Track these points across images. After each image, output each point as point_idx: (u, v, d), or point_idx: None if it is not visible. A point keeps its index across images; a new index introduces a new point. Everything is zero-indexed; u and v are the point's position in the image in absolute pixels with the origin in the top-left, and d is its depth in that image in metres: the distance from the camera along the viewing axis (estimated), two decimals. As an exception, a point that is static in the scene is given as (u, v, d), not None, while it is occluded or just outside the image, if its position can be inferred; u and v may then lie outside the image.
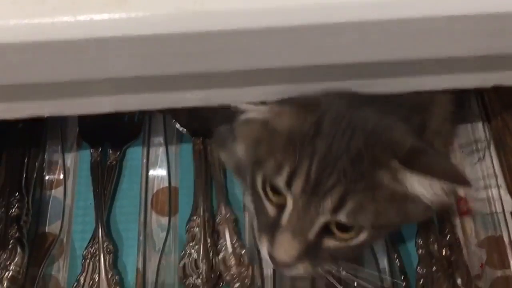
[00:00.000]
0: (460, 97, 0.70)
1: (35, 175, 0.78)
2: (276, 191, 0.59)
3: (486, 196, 0.78)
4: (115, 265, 0.74)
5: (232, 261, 0.73)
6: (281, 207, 0.59)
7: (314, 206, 0.56)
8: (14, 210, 0.72)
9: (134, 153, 0.82)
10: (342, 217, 0.56)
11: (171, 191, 0.79)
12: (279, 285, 0.72)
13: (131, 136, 0.83)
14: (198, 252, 0.73)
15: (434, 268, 0.72)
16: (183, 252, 0.73)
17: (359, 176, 0.56)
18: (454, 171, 0.57)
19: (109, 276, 0.72)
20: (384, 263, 0.74)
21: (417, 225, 0.74)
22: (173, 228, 0.77)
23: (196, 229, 0.74)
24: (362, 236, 0.58)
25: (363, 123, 0.58)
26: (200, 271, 0.72)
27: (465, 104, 0.78)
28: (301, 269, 0.59)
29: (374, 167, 0.56)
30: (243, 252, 0.73)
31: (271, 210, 0.60)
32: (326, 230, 0.58)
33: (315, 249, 0.58)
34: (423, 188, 0.56)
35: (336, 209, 0.56)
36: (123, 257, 0.75)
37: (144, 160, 0.81)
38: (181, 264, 0.73)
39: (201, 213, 0.75)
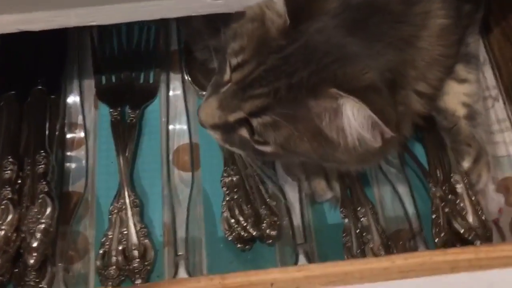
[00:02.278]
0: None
1: (56, 136, 0.78)
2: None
3: (502, 140, 0.79)
4: (142, 218, 0.74)
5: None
6: (228, 80, 0.64)
7: (239, 100, 0.61)
8: (40, 167, 0.72)
9: (153, 112, 0.83)
10: (254, 122, 0.61)
11: (192, 147, 0.80)
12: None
13: (148, 96, 0.83)
14: (237, 202, 0.74)
15: (446, 210, 0.72)
16: (224, 203, 0.74)
17: (289, 102, 0.59)
18: (390, 113, 0.58)
19: (138, 229, 0.73)
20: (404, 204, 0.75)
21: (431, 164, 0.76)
22: (196, 183, 0.77)
23: (234, 178, 0.75)
24: (267, 148, 0.63)
25: (325, 51, 0.60)
26: (243, 221, 0.72)
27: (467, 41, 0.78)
28: (214, 135, 0.66)
29: (308, 97, 0.59)
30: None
31: (225, 76, 0.64)
32: (246, 123, 0.62)
33: (230, 130, 0.64)
34: (353, 117, 0.58)
35: (251, 114, 0.61)
36: (149, 212, 0.76)
37: (163, 118, 0.82)
38: (224, 216, 0.73)
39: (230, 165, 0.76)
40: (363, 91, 0.57)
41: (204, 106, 0.65)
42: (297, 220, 0.74)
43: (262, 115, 0.60)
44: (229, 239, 0.72)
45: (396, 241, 0.73)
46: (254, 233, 0.71)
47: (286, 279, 0.57)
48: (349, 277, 0.57)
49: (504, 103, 0.82)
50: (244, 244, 0.73)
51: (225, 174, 0.75)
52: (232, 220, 0.72)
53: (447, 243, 0.70)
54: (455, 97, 0.75)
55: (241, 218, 0.72)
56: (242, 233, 0.72)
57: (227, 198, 0.74)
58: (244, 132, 0.64)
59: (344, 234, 0.72)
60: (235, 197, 0.74)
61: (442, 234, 0.70)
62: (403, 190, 0.76)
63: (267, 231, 0.72)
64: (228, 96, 0.63)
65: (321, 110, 0.59)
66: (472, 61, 0.78)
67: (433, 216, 0.71)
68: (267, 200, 0.74)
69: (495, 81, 0.83)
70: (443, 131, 0.75)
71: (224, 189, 0.75)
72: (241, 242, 0.73)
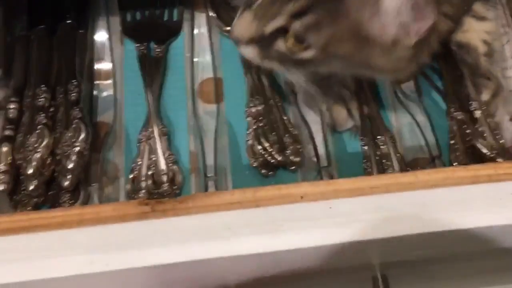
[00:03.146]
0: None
1: (85, 68, 0.80)
2: None
3: (515, 74, 0.82)
4: (169, 146, 0.77)
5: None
6: None
7: (278, 5, 0.61)
8: (73, 95, 0.75)
9: (178, 48, 0.85)
10: (297, 25, 0.61)
11: (216, 81, 0.82)
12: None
13: (172, 32, 0.86)
14: (263, 130, 0.77)
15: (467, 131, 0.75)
16: (248, 132, 0.77)
17: None
18: None
19: (166, 156, 0.76)
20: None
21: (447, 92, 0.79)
22: (220, 114, 0.80)
23: (259, 108, 0.78)
24: (308, 54, 0.63)
25: None
26: (268, 147, 0.75)
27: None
28: (250, 52, 0.66)
29: None
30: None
31: None
32: (281, 34, 0.63)
33: (267, 44, 0.64)
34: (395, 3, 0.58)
35: (294, 15, 0.60)
36: (176, 141, 0.79)
37: (188, 54, 0.84)
38: (249, 144, 0.76)
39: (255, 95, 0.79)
40: None
41: (238, 21, 0.65)
42: (320, 147, 0.77)
43: (303, 16, 0.60)
44: (254, 165, 0.75)
45: (415, 168, 0.76)
46: (279, 159, 0.74)
47: (316, 192, 0.60)
48: (375, 191, 0.60)
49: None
50: (268, 170, 0.75)
51: (251, 105, 0.78)
52: (259, 147, 0.75)
53: (466, 167, 0.72)
54: (476, 34, 0.78)
55: (266, 145, 0.75)
56: (268, 158, 0.74)
57: (253, 127, 0.76)
58: (282, 43, 0.64)
59: (365, 160, 0.75)
60: (260, 125, 0.76)
61: (461, 158, 0.72)
62: (421, 119, 0.78)
63: (291, 157, 0.75)
64: (264, 5, 0.62)
65: (361, 3, 0.60)
66: None
67: (451, 142, 0.74)
68: (290, 129, 0.77)
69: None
70: (462, 64, 0.77)
71: (249, 118, 0.77)
72: (266, 168, 0.75)
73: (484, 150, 0.71)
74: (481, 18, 0.79)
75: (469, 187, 0.59)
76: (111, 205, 0.61)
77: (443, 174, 0.61)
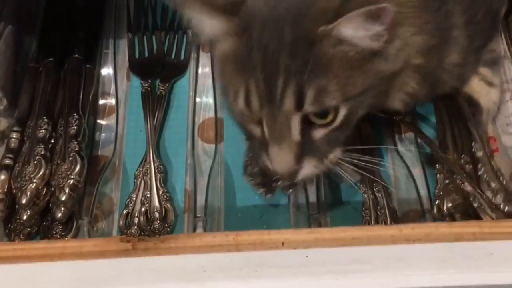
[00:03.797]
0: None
1: (89, 103, 0.82)
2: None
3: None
4: (165, 184, 0.78)
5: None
6: (260, 123, 0.61)
7: (280, 112, 0.58)
8: (73, 128, 0.76)
9: (182, 87, 0.87)
10: (309, 108, 0.58)
11: (217, 121, 0.83)
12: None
13: (178, 71, 0.87)
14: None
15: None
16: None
17: (303, 63, 0.56)
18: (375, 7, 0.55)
19: (160, 193, 0.76)
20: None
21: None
22: (219, 154, 0.81)
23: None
24: (342, 113, 0.59)
25: (287, 9, 0.58)
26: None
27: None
28: (309, 169, 0.61)
29: (311, 46, 0.56)
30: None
31: (256, 131, 0.62)
32: (308, 123, 0.59)
33: (310, 145, 0.60)
34: (352, 30, 0.56)
35: (299, 105, 0.57)
36: (172, 179, 0.80)
37: (191, 93, 0.85)
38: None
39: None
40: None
41: (274, 163, 0.61)
42: (312, 195, 0.77)
43: (304, 96, 0.57)
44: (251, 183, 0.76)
45: (407, 221, 0.75)
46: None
47: (297, 240, 0.60)
48: (357, 242, 0.60)
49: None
50: (266, 189, 0.76)
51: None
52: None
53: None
54: (486, 98, 0.78)
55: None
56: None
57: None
58: (317, 130, 0.60)
59: (363, 208, 0.74)
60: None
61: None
62: (417, 172, 0.78)
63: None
64: (272, 127, 0.59)
65: (330, 44, 0.57)
66: (497, 65, 0.81)
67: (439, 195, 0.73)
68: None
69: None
70: (468, 120, 0.76)
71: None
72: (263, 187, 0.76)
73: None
74: (489, 84, 0.79)
75: (450, 245, 0.59)
76: (93, 240, 0.62)
77: (427, 230, 0.61)
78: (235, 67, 0.60)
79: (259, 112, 0.59)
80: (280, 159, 0.60)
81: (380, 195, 0.75)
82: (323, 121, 0.59)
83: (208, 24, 0.60)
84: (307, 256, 0.57)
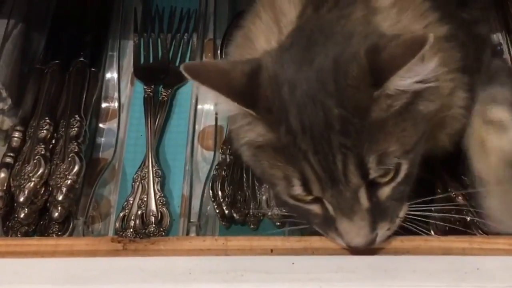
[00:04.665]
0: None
1: (92, 106, 0.83)
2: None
3: None
4: (162, 188, 0.79)
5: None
6: (319, 202, 0.58)
7: (346, 189, 0.55)
8: (74, 130, 0.78)
9: (184, 94, 0.88)
10: (374, 175, 0.55)
11: (217, 129, 0.84)
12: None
13: (181, 78, 0.88)
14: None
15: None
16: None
17: (357, 134, 0.53)
18: (408, 38, 0.53)
19: (157, 197, 0.77)
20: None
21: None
22: (217, 161, 0.82)
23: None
24: (404, 167, 0.56)
25: (317, 85, 0.55)
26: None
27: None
28: (383, 234, 0.58)
29: (365, 113, 0.53)
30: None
31: (314, 208, 0.59)
32: (372, 186, 0.56)
33: (379, 208, 0.57)
34: (410, 78, 0.53)
35: (364, 176, 0.55)
36: (169, 184, 0.80)
37: (193, 100, 0.86)
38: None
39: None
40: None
41: (349, 238, 0.57)
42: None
43: (367, 166, 0.54)
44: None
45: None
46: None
47: (286, 247, 0.61)
48: (345, 252, 0.60)
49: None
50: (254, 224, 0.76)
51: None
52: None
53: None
54: (496, 153, 0.64)
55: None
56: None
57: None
58: (382, 189, 0.57)
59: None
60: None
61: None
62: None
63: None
64: (340, 205, 0.56)
65: (382, 106, 0.54)
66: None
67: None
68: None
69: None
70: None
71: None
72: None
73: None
74: (503, 129, 0.65)
75: (436, 258, 0.59)
76: (85, 239, 0.63)
77: (416, 243, 0.61)
78: (277, 155, 0.56)
79: (321, 196, 0.56)
80: (355, 232, 0.56)
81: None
82: (386, 178, 0.56)
83: (224, 107, 0.58)
84: (293, 263, 0.58)
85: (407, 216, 0.60)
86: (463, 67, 0.63)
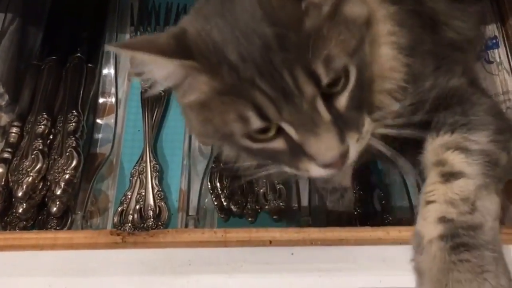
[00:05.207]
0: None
1: (89, 101, 0.83)
2: (261, 132, 0.56)
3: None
4: (160, 183, 0.79)
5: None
6: (280, 135, 0.56)
7: (303, 103, 0.53)
8: (71, 125, 0.78)
9: (182, 89, 0.88)
10: (326, 80, 0.53)
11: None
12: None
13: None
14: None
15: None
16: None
17: (296, 46, 0.53)
18: None
19: (155, 191, 0.77)
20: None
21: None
22: (215, 155, 0.82)
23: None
24: (352, 71, 0.55)
25: (245, 18, 0.54)
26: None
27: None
28: (354, 145, 0.56)
29: (298, 25, 0.53)
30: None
31: (278, 144, 0.56)
32: (327, 99, 0.54)
33: (341, 119, 0.55)
34: None
35: (317, 84, 0.53)
36: (167, 178, 0.81)
37: (191, 95, 0.86)
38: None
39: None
40: None
41: (320, 155, 0.54)
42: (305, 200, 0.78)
43: (317, 71, 0.53)
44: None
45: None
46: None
47: (284, 238, 0.61)
48: (344, 243, 0.61)
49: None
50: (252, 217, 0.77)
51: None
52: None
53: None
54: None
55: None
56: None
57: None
58: (339, 99, 0.55)
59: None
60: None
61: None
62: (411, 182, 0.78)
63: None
64: (302, 122, 0.54)
65: (316, 14, 0.54)
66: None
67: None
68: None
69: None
70: None
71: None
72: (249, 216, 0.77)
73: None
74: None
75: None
76: (84, 232, 0.63)
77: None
78: (224, 99, 0.55)
79: (280, 119, 0.54)
80: (325, 146, 0.54)
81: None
82: (339, 87, 0.55)
83: (160, 73, 0.56)
84: (292, 254, 0.58)
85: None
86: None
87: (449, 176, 0.59)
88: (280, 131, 0.55)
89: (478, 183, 0.58)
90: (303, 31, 0.53)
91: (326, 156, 0.54)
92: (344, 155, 0.55)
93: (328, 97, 0.54)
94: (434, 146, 0.61)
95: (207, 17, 0.56)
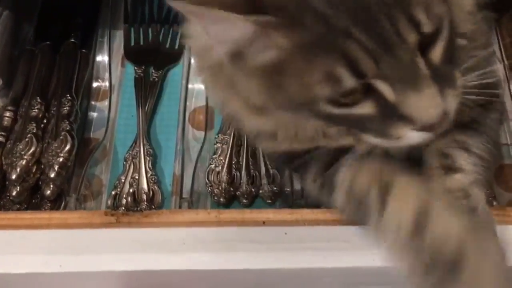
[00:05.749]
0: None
1: (83, 86, 0.84)
2: (348, 94, 0.49)
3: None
4: (154, 167, 0.79)
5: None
6: (369, 97, 0.49)
7: (403, 53, 0.47)
8: (65, 109, 0.78)
9: (175, 75, 0.88)
10: (427, 28, 0.48)
11: (208, 109, 0.85)
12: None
13: (172, 59, 0.89)
14: (222, 165, 0.78)
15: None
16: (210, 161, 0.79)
17: None
18: None
19: (149, 176, 0.78)
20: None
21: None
22: (208, 141, 0.82)
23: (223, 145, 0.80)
24: (445, 23, 0.50)
25: None
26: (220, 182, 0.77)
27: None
28: (452, 100, 0.50)
29: None
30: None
31: (367, 108, 0.50)
32: (422, 52, 0.49)
33: (438, 73, 0.49)
34: None
35: (418, 31, 0.47)
36: (161, 163, 0.81)
37: (184, 81, 0.87)
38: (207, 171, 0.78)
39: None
40: None
41: (422, 113, 0.49)
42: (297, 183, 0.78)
43: (416, 15, 0.47)
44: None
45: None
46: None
47: (278, 219, 0.61)
48: (337, 223, 0.61)
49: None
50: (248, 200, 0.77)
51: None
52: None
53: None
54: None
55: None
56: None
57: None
58: (435, 49, 0.50)
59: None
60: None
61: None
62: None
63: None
64: (402, 72, 0.48)
65: None
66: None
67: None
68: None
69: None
70: None
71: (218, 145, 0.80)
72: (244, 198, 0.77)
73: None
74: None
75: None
76: (78, 212, 0.63)
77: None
78: (308, 56, 0.48)
79: (376, 75, 0.48)
80: (427, 104, 0.48)
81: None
82: (433, 36, 0.49)
83: (231, 33, 0.49)
84: (285, 233, 0.58)
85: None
86: None
87: (449, 169, 0.59)
88: (370, 92, 0.49)
89: (472, 179, 0.59)
90: None
91: (429, 115, 0.49)
92: (445, 113, 0.49)
93: (424, 48, 0.49)
94: (449, 139, 0.61)
95: None
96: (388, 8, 0.46)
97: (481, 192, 0.60)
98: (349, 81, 0.47)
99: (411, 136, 0.50)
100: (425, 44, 0.48)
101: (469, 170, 0.60)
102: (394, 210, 0.55)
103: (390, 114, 0.49)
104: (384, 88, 0.48)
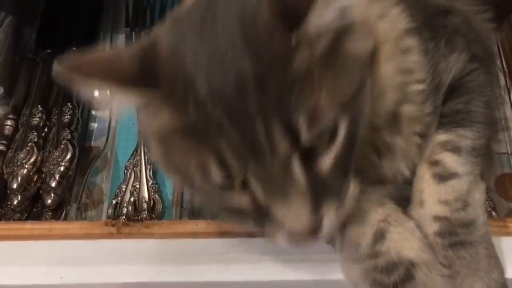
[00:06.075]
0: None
1: (84, 95, 0.83)
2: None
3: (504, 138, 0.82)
4: (154, 176, 0.79)
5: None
6: (247, 189, 0.47)
7: (274, 161, 0.44)
8: (66, 117, 0.78)
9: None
10: (307, 138, 0.44)
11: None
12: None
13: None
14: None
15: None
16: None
17: (278, 89, 0.44)
18: None
19: (150, 184, 0.78)
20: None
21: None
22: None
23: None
24: (343, 126, 0.46)
25: (223, 44, 0.45)
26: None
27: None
28: (332, 216, 0.48)
29: (285, 63, 0.44)
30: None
31: (243, 199, 0.48)
32: (307, 157, 0.46)
33: (320, 184, 0.46)
34: (328, 14, 0.45)
35: (295, 142, 0.44)
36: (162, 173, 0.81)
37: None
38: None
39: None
40: None
41: (283, 220, 0.46)
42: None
43: (297, 125, 0.44)
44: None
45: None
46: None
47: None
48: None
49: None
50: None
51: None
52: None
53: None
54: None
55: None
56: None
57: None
58: (320, 159, 0.47)
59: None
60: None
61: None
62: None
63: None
64: (268, 181, 0.45)
65: (307, 54, 0.45)
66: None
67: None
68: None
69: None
70: None
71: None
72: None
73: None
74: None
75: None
76: (79, 223, 0.63)
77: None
78: (187, 140, 0.46)
79: (242, 175, 0.46)
80: (293, 216, 0.46)
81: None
82: (323, 144, 0.46)
83: (118, 99, 0.50)
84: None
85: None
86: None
87: (442, 177, 0.57)
88: (247, 185, 0.47)
89: (469, 181, 0.57)
90: (289, 72, 0.44)
91: (297, 227, 0.46)
92: (315, 228, 0.46)
93: (308, 154, 0.45)
94: (433, 143, 0.59)
95: (184, 32, 0.47)
96: (265, 112, 0.43)
97: (481, 194, 0.58)
98: (217, 177, 0.45)
99: (283, 239, 0.48)
100: (310, 151, 0.45)
101: (463, 172, 0.57)
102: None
103: (265, 213, 0.47)
104: (256, 187, 0.46)
